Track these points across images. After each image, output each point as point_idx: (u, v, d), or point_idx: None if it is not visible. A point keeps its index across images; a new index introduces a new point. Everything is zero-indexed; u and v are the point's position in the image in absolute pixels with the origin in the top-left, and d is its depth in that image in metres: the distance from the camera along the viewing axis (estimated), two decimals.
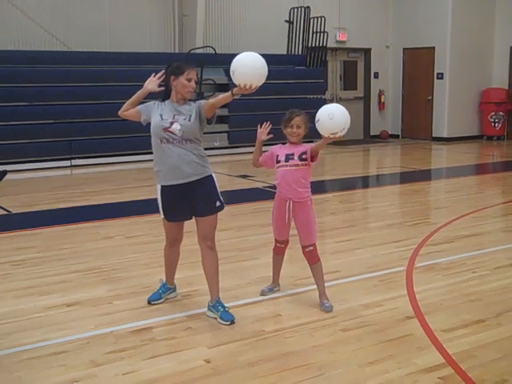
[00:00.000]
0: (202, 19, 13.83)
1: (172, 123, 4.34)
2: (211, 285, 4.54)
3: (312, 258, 4.73)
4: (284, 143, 4.74)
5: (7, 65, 11.57)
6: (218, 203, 4.49)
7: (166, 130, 4.34)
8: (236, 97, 4.22)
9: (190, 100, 4.49)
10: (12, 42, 12.29)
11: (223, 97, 4.28)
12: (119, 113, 4.60)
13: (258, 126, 4.78)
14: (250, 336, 4.19)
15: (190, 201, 4.44)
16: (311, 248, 4.70)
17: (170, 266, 4.86)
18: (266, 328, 4.33)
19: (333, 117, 4.31)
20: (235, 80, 4.10)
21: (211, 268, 4.53)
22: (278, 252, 4.94)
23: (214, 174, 4.53)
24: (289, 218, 4.68)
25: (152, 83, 4.55)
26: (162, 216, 4.59)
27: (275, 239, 4.89)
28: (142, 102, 4.59)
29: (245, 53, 4.15)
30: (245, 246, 6.44)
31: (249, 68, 4.05)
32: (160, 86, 4.52)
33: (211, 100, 4.41)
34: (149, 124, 4.49)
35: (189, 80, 4.39)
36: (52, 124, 11.74)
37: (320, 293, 4.73)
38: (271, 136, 4.69)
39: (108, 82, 12.29)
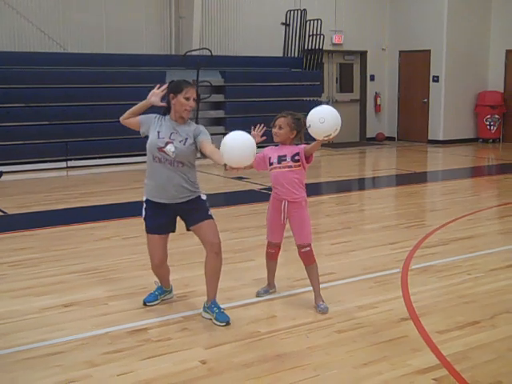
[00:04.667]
0: (199, 21, 13.82)
1: (167, 144, 4.36)
2: (209, 287, 4.54)
3: (308, 258, 4.75)
4: (276, 145, 4.76)
5: (3, 66, 11.54)
6: (209, 212, 4.51)
7: (160, 149, 4.37)
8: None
9: (190, 119, 4.50)
10: (8, 43, 12.27)
11: (216, 158, 4.22)
12: (120, 119, 4.62)
13: (252, 128, 4.80)
14: (246, 337, 4.21)
15: (175, 216, 4.49)
16: (307, 248, 4.72)
17: (162, 278, 4.85)
18: (262, 329, 4.35)
19: (323, 120, 4.31)
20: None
21: (213, 271, 4.51)
22: (270, 258, 4.94)
23: (204, 196, 4.54)
24: (284, 217, 4.70)
25: (155, 96, 4.51)
26: (145, 230, 4.56)
27: (268, 242, 4.89)
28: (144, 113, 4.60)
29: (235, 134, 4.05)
30: (240, 247, 6.45)
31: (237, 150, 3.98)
32: (162, 101, 4.52)
33: (208, 146, 4.34)
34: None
35: (187, 99, 4.38)
36: (48, 125, 11.72)
37: (315, 294, 4.75)
38: (264, 138, 4.70)
39: (104, 83, 12.27)
